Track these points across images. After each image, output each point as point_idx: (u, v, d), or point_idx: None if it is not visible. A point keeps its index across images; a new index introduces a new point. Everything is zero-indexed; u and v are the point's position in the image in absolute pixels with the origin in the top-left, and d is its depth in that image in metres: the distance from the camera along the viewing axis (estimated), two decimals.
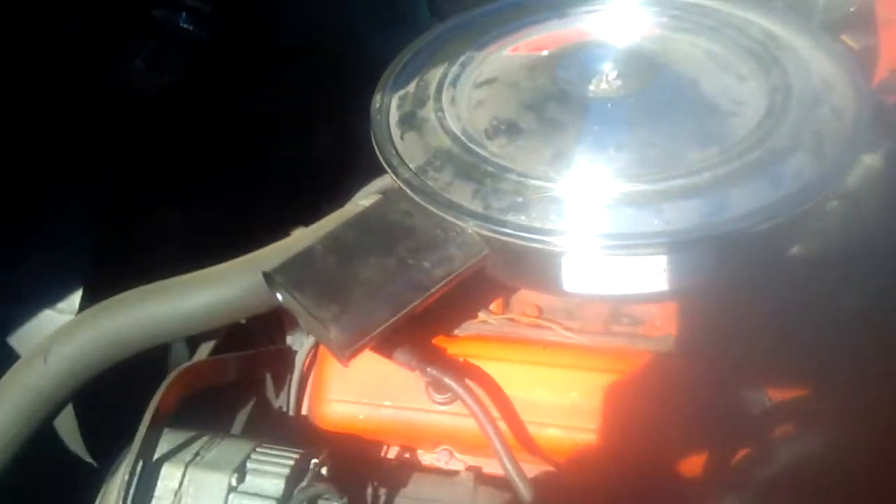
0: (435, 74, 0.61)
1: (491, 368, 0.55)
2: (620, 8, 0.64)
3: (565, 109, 0.54)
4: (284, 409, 0.61)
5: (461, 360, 0.55)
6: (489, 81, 0.60)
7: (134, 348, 0.54)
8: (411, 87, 0.61)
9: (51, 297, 0.65)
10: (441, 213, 0.49)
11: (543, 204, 0.48)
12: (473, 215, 0.48)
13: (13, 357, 0.56)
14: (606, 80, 0.55)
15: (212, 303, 0.53)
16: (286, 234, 0.59)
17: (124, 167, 0.73)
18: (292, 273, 0.49)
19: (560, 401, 0.52)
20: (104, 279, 0.62)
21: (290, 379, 0.60)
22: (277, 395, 0.63)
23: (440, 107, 0.57)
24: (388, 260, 0.49)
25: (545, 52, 0.61)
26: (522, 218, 0.48)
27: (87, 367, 0.53)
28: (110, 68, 0.75)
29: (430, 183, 0.52)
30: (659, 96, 0.53)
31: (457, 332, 0.58)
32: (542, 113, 0.55)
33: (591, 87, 0.56)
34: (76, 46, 0.72)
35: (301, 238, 0.56)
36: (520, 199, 0.48)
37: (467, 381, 0.51)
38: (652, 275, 0.46)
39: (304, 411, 0.60)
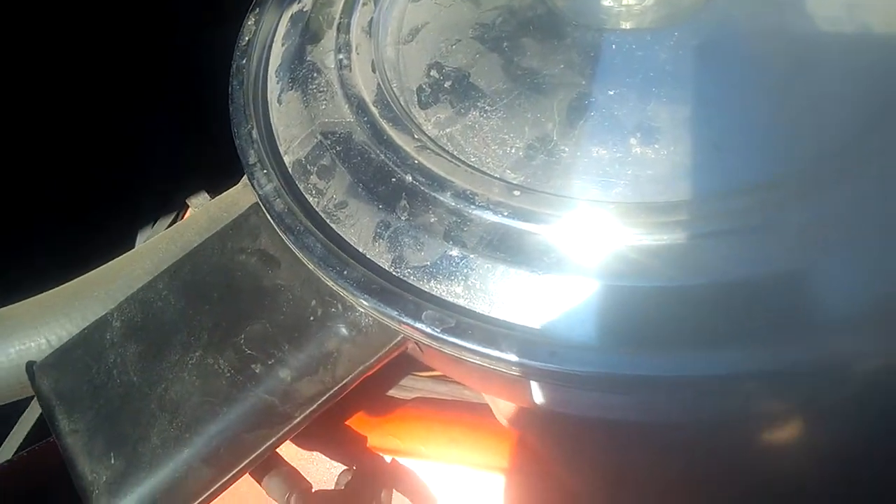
0: None
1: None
2: None
3: (557, 49, 0.30)
4: None
5: (388, 459, 0.35)
6: None
7: None
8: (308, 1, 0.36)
9: None
10: (316, 270, 0.27)
11: (507, 264, 0.25)
12: (365, 288, 0.25)
13: None
14: None
15: None
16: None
17: None
18: (65, 375, 0.28)
19: None
20: None
21: None
22: None
23: (346, 42, 0.33)
24: (222, 358, 0.27)
25: None
26: (460, 291, 0.25)
27: None
28: None
29: (308, 200, 0.29)
30: (733, 30, 0.29)
31: (391, 395, 0.38)
32: (515, 56, 0.30)
33: (607, 3, 0.31)
34: None
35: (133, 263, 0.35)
36: (461, 251, 0.26)
37: None
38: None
39: None
